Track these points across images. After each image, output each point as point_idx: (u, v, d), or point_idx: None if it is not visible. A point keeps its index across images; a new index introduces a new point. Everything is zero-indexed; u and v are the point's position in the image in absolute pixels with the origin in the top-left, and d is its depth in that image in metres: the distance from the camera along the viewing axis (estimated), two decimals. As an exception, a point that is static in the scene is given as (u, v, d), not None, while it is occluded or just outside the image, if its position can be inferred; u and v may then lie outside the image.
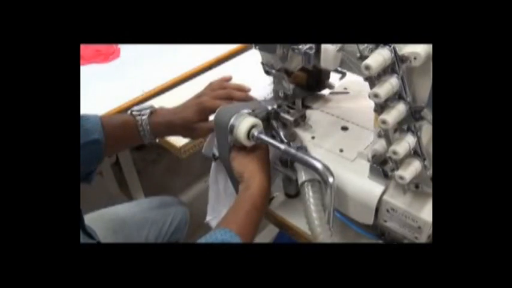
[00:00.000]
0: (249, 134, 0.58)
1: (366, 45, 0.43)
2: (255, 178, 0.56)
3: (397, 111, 0.45)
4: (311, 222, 0.52)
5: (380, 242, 0.60)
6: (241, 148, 0.60)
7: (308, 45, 0.56)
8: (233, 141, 0.59)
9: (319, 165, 0.53)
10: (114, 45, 1.20)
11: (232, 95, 0.69)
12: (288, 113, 0.65)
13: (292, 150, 0.56)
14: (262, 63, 0.66)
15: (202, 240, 0.50)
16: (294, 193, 0.70)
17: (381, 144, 0.52)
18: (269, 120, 0.64)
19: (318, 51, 0.55)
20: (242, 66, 1.08)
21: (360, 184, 0.55)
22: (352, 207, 0.56)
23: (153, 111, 0.69)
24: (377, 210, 0.54)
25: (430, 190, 0.51)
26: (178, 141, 0.85)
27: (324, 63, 0.54)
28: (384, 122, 0.45)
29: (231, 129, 0.58)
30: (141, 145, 0.76)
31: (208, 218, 0.72)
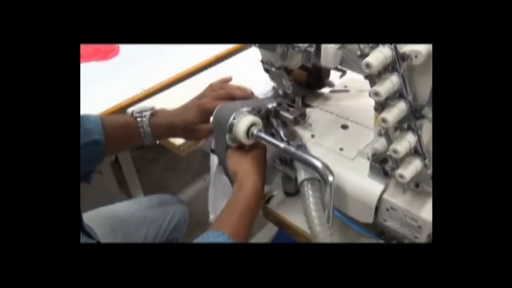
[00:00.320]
0: (248, 133, 0.58)
1: (366, 43, 0.43)
2: (248, 178, 0.56)
3: (398, 109, 0.45)
4: (310, 221, 0.52)
5: (380, 241, 0.60)
6: (237, 147, 0.60)
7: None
8: (232, 140, 0.59)
9: (318, 164, 0.52)
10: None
11: (233, 93, 0.69)
12: (288, 111, 0.65)
13: (292, 149, 0.56)
14: (262, 61, 0.66)
15: (195, 242, 0.49)
16: (293, 191, 0.70)
17: (381, 143, 0.51)
18: (269, 118, 0.64)
19: (318, 49, 0.54)
20: (242, 64, 1.08)
21: (360, 183, 0.55)
22: (352, 206, 0.56)
23: (154, 113, 0.69)
24: (377, 209, 0.54)
25: (430, 189, 0.51)
26: (177, 139, 0.85)
27: (324, 61, 0.54)
28: (384, 120, 0.44)
29: (230, 127, 0.58)
30: (140, 145, 0.77)
31: (211, 217, 0.72)
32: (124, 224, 0.84)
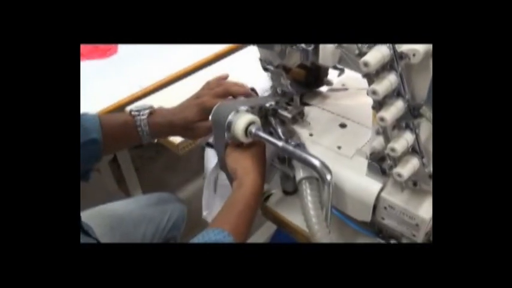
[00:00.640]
0: (246, 131, 0.58)
1: (364, 41, 0.43)
2: (248, 175, 0.56)
3: (396, 108, 0.45)
4: (309, 220, 0.52)
5: (377, 239, 0.60)
6: (237, 145, 0.60)
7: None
8: (230, 138, 0.59)
9: (317, 163, 0.52)
10: (111, 41, 1.19)
11: (230, 90, 0.69)
12: (286, 109, 0.65)
13: (290, 147, 0.56)
14: (261, 60, 0.66)
15: (195, 240, 0.50)
16: (291, 190, 0.70)
17: (379, 142, 0.52)
18: (267, 117, 0.64)
19: (316, 47, 0.54)
20: (240, 63, 1.08)
21: (358, 181, 0.55)
22: (350, 204, 0.56)
23: (153, 112, 0.69)
24: (375, 207, 0.54)
25: (428, 187, 0.51)
26: (175, 138, 0.85)
27: (323, 60, 0.54)
28: (382, 119, 0.44)
29: (229, 125, 0.58)
30: (138, 144, 0.77)
31: (204, 213, 0.72)
32: (122, 222, 0.84)
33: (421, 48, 0.41)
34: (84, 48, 1.14)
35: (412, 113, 0.46)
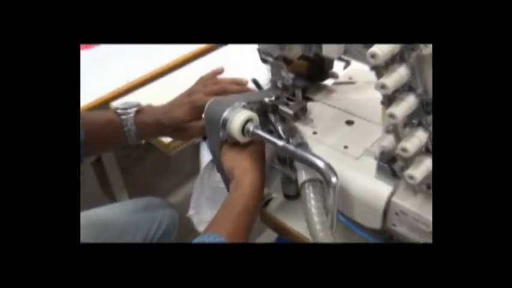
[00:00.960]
0: (243, 129, 0.58)
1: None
2: (246, 175, 0.56)
3: (407, 103, 0.45)
4: (312, 227, 0.53)
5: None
6: (233, 143, 0.60)
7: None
8: (226, 137, 0.60)
9: (321, 164, 0.53)
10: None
11: (228, 89, 0.69)
12: (287, 105, 0.65)
13: (292, 147, 0.56)
14: (259, 50, 0.66)
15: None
16: (293, 194, 0.70)
17: (389, 141, 0.52)
18: (266, 113, 0.64)
19: (319, 37, 0.55)
20: (237, 53, 1.08)
21: (366, 184, 0.55)
22: (357, 209, 0.57)
23: (140, 110, 0.69)
24: (385, 213, 0.54)
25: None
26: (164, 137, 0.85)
27: (326, 52, 0.54)
28: (392, 115, 0.45)
29: (224, 123, 0.58)
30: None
31: (190, 211, 0.73)
32: (107, 230, 0.85)
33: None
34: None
35: (425, 108, 0.46)
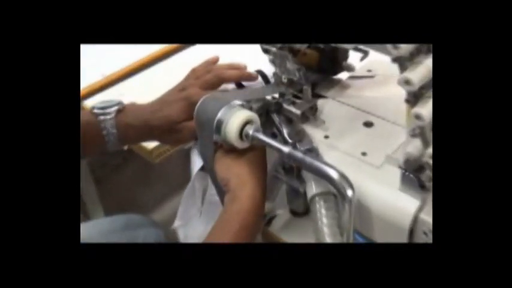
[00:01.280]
0: (241, 133, 0.58)
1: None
2: (244, 187, 0.57)
3: (436, 102, 0.45)
4: (324, 249, 0.53)
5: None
6: (229, 149, 0.60)
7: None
8: (221, 141, 0.60)
9: (334, 174, 0.53)
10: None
11: (224, 75, 0.70)
12: (294, 104, 0.65)
13: (299, 154, 0.56)
14: (260, 39, 0.66)
15: None
16: (301, 210, 0.71)
17: (415, 146, 0.52)
18: (269, 114, 0.65)
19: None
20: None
21: (389, 198, 0.55)
22: (378, 228, 0.57)
23: (122, 109, 0.69)
24: (411, 232, 0.54)
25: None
26: (149, 141, 0.85)
27: (340, 39, 0.55)
28: (418, 116, 0.45)
29: (218, 125, 0.59)
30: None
31: (176, 223, 0.73)
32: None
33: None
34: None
35: (457, 108, 0.46)
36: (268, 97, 0.65)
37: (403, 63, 0.44)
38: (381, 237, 0.57)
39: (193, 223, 0.72)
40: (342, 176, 0.53)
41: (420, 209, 0.54)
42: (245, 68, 0.73)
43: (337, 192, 0.54)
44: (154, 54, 1.06)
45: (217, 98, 0.62)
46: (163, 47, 1.08)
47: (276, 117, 0.64)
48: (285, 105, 0.65)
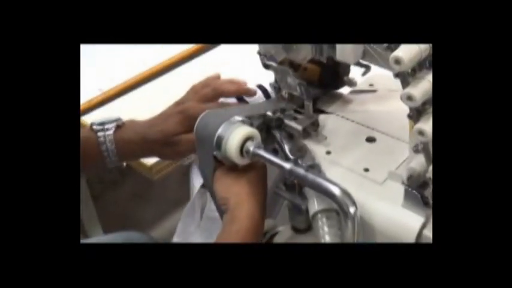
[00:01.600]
0: (242, 149, 0.58)
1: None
2: (242, 207, 0.57)
3: (439, 118, 0.46)
4: (327, 267, 0.53)
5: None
6: (229, 167, 0.60)
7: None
8: (221, 158, 0.60)
9: (336, 191, 0.53)
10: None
11: (222, 90, 0.70)
12: (295, 119, 0.66)
13: (301, 171, 0.56)
14: (260, 54, 0.67)
15: None
16: (303, 227, 0.70)
17: (418, 162, 0.52)
18: (270, 129, 0.65)
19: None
20: (232, 56, 1.09)
21: (392, 215, 0.55)
22: (381, 246, 0.57)
23: (121, 125, 0.70)
24: (415, 249, 0.55)
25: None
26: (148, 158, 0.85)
27: (341, 56, 0.55)
28: (421, 132, 0.45)
29: (219, 142, 0.59)
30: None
31: (175, 240, 0.73)
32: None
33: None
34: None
35: (460, 123, 0.47)
36: (269, 113, 0.65)
37: (405, 78, 0.45)
38: (384, 254, 0.57)
39: (192, 240, 0.72)
40: (345, 192, 0.53)
41: (424, 226, 0.54)
42: (245, 84, 0.73)
43: (339, 209, 0.54)
44: (153, 70, 1.06)
45: (218, 114, 0.62)
46: (162, 61, 1.08)
47: (277, 133, 0.65)
48: (286, 121, 0.65)
